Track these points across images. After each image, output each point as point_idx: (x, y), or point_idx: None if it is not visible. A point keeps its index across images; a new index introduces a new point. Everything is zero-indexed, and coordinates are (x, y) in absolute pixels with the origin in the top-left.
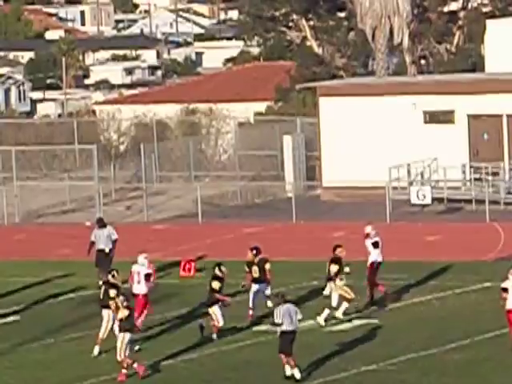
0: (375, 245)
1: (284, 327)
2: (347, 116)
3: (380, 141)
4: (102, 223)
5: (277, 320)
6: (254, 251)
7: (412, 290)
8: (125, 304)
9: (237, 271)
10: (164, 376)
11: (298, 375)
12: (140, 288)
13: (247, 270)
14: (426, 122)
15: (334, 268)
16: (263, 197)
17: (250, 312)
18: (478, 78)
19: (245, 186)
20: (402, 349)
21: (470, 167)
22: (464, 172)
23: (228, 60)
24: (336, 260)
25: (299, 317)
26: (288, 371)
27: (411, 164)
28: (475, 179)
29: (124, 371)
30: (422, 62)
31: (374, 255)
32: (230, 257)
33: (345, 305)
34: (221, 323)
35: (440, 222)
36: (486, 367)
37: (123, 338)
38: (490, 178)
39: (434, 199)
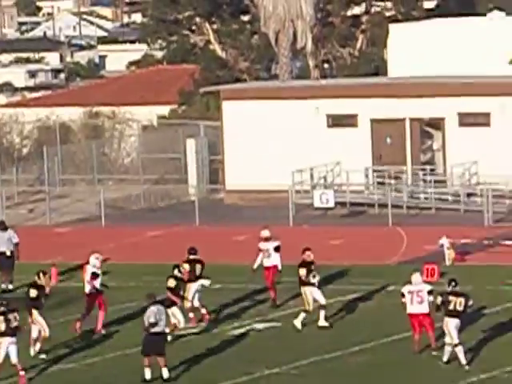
0: (277, 249)
1: (155, 329)
2: (250, 120)
3: (283, 144)
4: (3, 226)
5: (151, 320)
6: (192, 251)
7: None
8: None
9: (141, 274)
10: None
11: (166, 374)
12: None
13: (188, 269)
14: (329, 126)
15: (302, 271)
16: (167, 200)
17: (204, 311)
18: (381, 82)
19: (148, 189)
20: (305, 352)
21: (373, 171)
22: (367, 176)
23: (131, 63)
24: (303, 264)
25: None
26: (148, 375)
27: (314, 168)
28: (378, 183)
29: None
30: (326, 65)
31: (276, 259)
32: (133, 260)
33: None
34: (181, 324)
35: (343, 225)
36: (389, 370)
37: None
38: (392, 181)
39: (337, 203)
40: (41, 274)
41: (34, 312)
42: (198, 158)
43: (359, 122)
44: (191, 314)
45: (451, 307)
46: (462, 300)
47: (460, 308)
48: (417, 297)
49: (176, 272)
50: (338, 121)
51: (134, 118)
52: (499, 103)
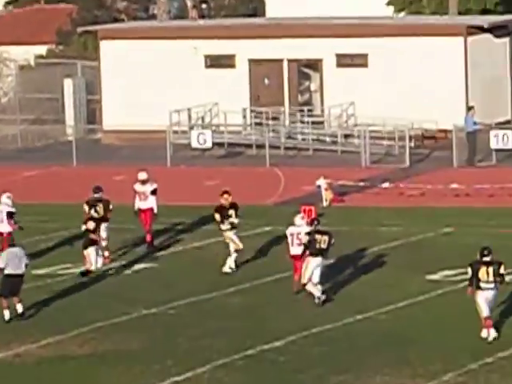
0: (153, 192)
1: (9, 271)
2: (128, 60)
3: (161, 85)
4: None
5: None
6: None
7: (192, 234)
8: None
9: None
10: None
11: (20, 309)
12: (3, 227)
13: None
14: (207, 67)
15: (217, 217)
16: (44, 140)
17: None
18: (259, 23)
19: (25, 129)
20: (182, 293)
21: (251, 112)
22: (245, 117)
23: (8, 2)
24: (218, 208)
25: (27, 261)
26: (7, 316)
27: (192, 108)
28: (256, 124)
29: None
30: (204, 6)
31: (152, 202)
32: None
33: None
34: (93, 267)
35: (220, 166)
36: (266, 310)
37: None
38: (270, 122)
39: (214, 143)
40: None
41: None
42: (75, 98)
43: (237, 62)
44: (106, 253)
45: (316, 246)
46: (326, 238)
47: (324, 246)
48: (296, 239)
49: (93, 212)
50: (216, 61)
51: (11, 58)
52: (377, 45)
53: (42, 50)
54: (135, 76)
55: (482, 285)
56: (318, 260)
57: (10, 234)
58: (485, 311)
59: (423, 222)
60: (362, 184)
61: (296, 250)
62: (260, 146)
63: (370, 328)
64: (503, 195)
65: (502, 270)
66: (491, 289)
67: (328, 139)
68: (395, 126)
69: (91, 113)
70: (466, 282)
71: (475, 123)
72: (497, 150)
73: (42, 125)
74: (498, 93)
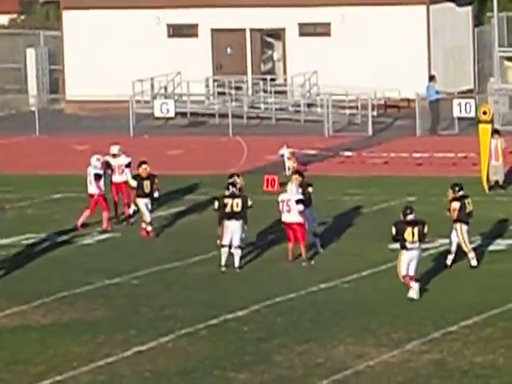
0: (128, 165)
1: None
2: (91, 29)
3: (124, 54)
4: None
5: None
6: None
7: (155, 203)
8: None
9: None
10: None
11: None
12: (92, 189)
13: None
14: (169, 36)
15: (133, 183)
16: (6, 110)
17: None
18: None
19: None
20: (145, 262)
21: (214, 81)
22: (207, 86)
23: None
24: (134, 177)
25: None
26: None
27: (155, 78)
28: (218, 93)
29: None
30: None
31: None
32: None
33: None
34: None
35: (183, 135)
36: (229, 280)
37: None
38: (233, 91)
39: (177, 113)
40: None
41: None
42: (38, 68)
43: (200, 31)
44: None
45: (228, 209)
46: (238, 201)
47: (237, 209)
48: (286, 206)
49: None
50: (179, 31)
51: None
52: (340, 14)
53: (3, 19)
54: (98, 46)
55: (408, 245)
56: (234, 223)
57: (101, 196)
58: (404, 270)
59: (386, 190)
60: (324, 153)
61: (285, 217)
62: (223, 116)
63: (333, 297)
64: (466, 164)
65: (425, 230)
66: (416, 249)
67: (291, 108)
68: (358, 95)
69: (54, 83)
70: (431, 251)
71: (437, 92)
72: (459, 119)
73: (5, 95)
74: (460, 62)
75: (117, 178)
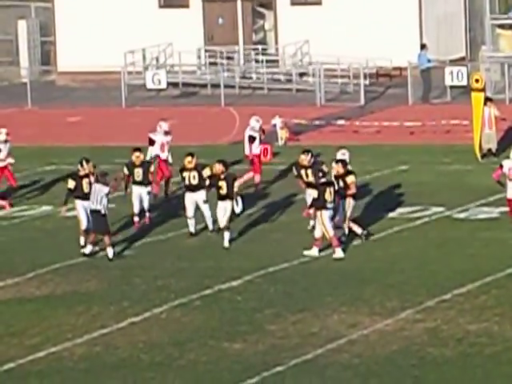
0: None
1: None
2: (82, 0)
3: (115, 25)
4: None
5: None
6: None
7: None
8: None
9: None
10: None
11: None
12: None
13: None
14: (160, 6)
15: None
16: None
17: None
18: None
19: None
20: (138, 234)
21: (205, 51)
22: (199, 56)
23: None
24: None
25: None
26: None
27: (146, 48)
28: (210, 63)
29: None
30: None
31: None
32: None
33: None
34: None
35: (175, 106)
36: (222, 250)
37: None
38: (224, 62)
39: (169, 84)
40: None
41: None
42: (29, 40)
43: (191, 2)
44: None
45: (186, 182)
46: (195, 174)
47: (194, 182)
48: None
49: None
50: (170, 1)
51: None
52: None
53: None
54: (89, 17)
55: (328, 205)
56: (193, 195)
57: (258, 156)
58: (331, 231)
59: (379, 159)
60: (317, 122)
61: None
62: (215, 86)
63: (326, 266)
64: (458, 132)
65: (336, 188)
66: (332, 208)
67: (283, 78)
68: (350, 64)
69: (45, 54)
70: (424, 220)
71: (429, 60)
72: (452, 87)
73: None
74: (452, 30)
75: (163, 154)
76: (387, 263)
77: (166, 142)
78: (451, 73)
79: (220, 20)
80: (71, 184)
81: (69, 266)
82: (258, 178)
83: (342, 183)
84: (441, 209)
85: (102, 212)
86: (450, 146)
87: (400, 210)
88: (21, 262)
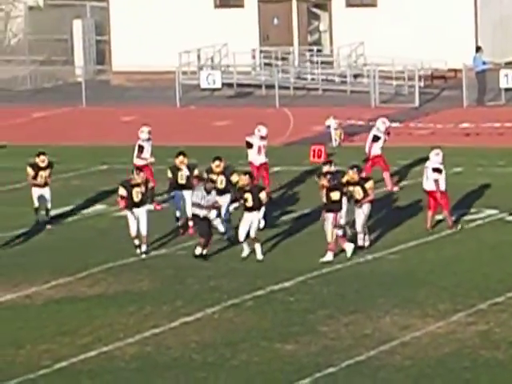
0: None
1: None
2: (137, 0)
3: (170, 25)
4: None
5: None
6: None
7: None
8: None
9: (28, 156)
10: None
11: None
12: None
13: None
14: (216, 7)
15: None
16: (53, 81)
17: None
18: None
19: (34, 71)
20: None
21: (260, 52)
22: (254, 57)
23: None
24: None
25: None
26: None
27: (201, 49)
28: (265, 64)
29: None
30: None
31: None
32: (20, 141)
33: None
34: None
35: (230, 106)
36: (276, 251)
37: None
38: (279, 62)
39: (223, 84)
40: None
41: None
42: (84, 39)
43: (246, 2)
44: None
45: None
46: (222, 178)
47: (221, 186)
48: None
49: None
50: (225, 1)
51: None
52: None
53: None
54: (144, 16)
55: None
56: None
57: (380, 156)
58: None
59: None
60: (371, 124)
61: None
62: (269, 87)
63: (379, 268)
64: None
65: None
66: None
67: (337, 79)
68: (405, 66)
69: (100, 54)
70: (477, 222)
71: (484, 63)
72: (506, 90)
73: (52, 66)
74: (507, 32)
75: (259, 158)
76: (440, 266)
77: (262, 145)
78: (506, 75)
79: (275, 20)
80: (122, 192)
81: (121, 265)
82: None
83: (358, 189)
84: (494, 211)
85: (208, 216)
86: (504, 148)
87: (453, 213)
88: (73, 261)
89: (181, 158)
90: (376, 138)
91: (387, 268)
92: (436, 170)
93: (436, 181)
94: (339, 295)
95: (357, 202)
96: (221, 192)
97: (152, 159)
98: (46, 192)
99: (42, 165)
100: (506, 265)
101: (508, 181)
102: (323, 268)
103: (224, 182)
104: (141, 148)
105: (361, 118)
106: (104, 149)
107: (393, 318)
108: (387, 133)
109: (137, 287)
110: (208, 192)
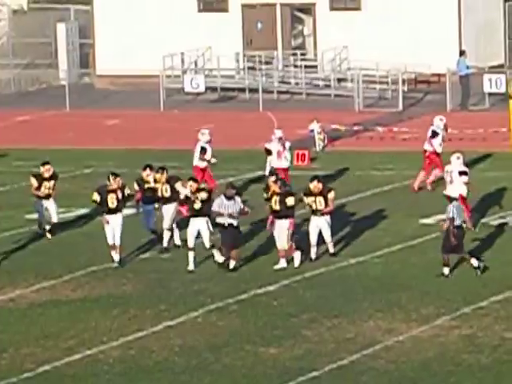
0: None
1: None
2: (121, 4)
3: (154, 29)
4: None
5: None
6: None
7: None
8: None
9: (12, 159)
10: None
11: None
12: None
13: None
14: (200, 11)
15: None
16: (37, 85)
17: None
18: None
19: (18, 74)
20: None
21: (244, 56)
22: (238, 61)
23: None
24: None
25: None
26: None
27: (185, 52)
28: (249, 68)
29: None
30: None
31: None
32: (1, 144)
33: None
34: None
35: (213, 110)
36: (259, 254)
37: None
38: (263, 66)
39: (207, 88)
40: None
41: None
42: (68, 43)
43: (230, 6)
44: None
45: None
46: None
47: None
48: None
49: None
50: (209, 5)
51: (4, 2)
52: None
53: None
54: (128, 20)
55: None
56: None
57: (435, 153)
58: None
59: (416, 165)
60: (355, 128)
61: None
62: (253, 90)
63: (363, 272)
64: (496, 139)
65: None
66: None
67: (321, 83)
68: (388, 70)
69: (84, 57)
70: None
71: (468, 67)
72: (490, 94)
73: (35, 69)
74: (491, 36)
75: (278, 163)
76: (424, 269)
77: (282, 149)
78: (490, 80)
79: (259, 25)
80: (96, 197)
81: (105, 269)
82: (439, 172)
83: (320, 199)
84: (476, 215)
85: (235, 224)
86: (488, 153)
87: (438, 217)
88: (57, 265)
89: (147, 171)
90: (435, 134)
91: (371, 272)
92: (463, 172)
93: (465, 183)
94: (323, 299)
95: (316, 212)
96: (166, 201)
97: (214, 160)
98: (51, 204)
99: (47, 175)
100: (489, 269)
101: (489, 185)
102: (307, 272)
103: (169, 191)
104: (203, 150)
105: (344, 123)
106: (88, 152)
107: (376, 322)
108: (445, 129)
109: (120, 291)
110: (228, 198)
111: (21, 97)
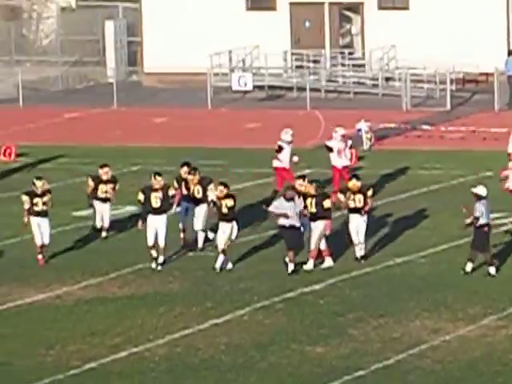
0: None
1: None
2: (170, 1)
3: (202, 27)
4: None
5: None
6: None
7: (232, 176)
8: None
9: (58, 156)
10: None
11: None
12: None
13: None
14: (248, 9)
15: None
16: (85, 82)
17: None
18: None
19: (66, 71)
20: None
21: (292, 54)
22: (285, 59)
23: None
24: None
25: None
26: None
27: (233, 51)
28: (296, 66)
29: None
30: None
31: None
32: (49, 141)
33: None
34: None
35: (261, 108)
36: (303, 253)
37: None
38: (311, 65)
39: (255, 86)
40: None
41: None
42: (116, 40)
43: (278, 4)
44: None
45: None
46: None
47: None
48: None
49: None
50: (257, 4)
51: (53, 0)
52: None
53: None
54: (176, 18)
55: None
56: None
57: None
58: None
59: (464, 165)
60: (402, 127)
61: None
62: (300, 89)
63: (409, 272)
64: None
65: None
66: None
67: (369, 82)
68: (436, 69)
69: (132, 55)
70: (507, 226)
71: None
72: None
73: (83, 67)
74: None
75: (340, 161)
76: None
77: (343, 147)
78: None
79: (307, 23)
80: (140, 197)
81: (151, 266)
82: None
83: (359, 197)
84: None
85: (297, 225)
86: None
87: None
88: (104, 262)
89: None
90: None
91: (417, 271)
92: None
93: None
94: (369, 298)
95: (357, 210)
96: (197, 202)
97: (296, 158)
98: (106, 209)
99: (105, 177)
100: None
101: None
102: (353, 271)
103: (201, 192)
104: (279, 148)
105: (392, 122)
106: (135, 150)
107: (422, 322)
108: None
109: (167, 288)
110: (288, 200)
111: (69, 94)
